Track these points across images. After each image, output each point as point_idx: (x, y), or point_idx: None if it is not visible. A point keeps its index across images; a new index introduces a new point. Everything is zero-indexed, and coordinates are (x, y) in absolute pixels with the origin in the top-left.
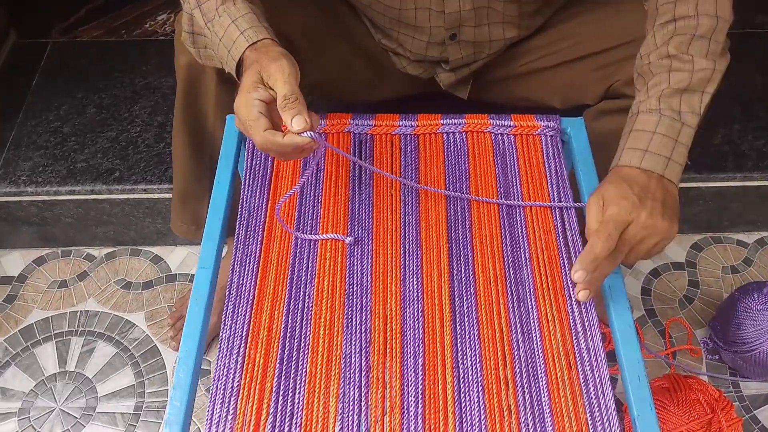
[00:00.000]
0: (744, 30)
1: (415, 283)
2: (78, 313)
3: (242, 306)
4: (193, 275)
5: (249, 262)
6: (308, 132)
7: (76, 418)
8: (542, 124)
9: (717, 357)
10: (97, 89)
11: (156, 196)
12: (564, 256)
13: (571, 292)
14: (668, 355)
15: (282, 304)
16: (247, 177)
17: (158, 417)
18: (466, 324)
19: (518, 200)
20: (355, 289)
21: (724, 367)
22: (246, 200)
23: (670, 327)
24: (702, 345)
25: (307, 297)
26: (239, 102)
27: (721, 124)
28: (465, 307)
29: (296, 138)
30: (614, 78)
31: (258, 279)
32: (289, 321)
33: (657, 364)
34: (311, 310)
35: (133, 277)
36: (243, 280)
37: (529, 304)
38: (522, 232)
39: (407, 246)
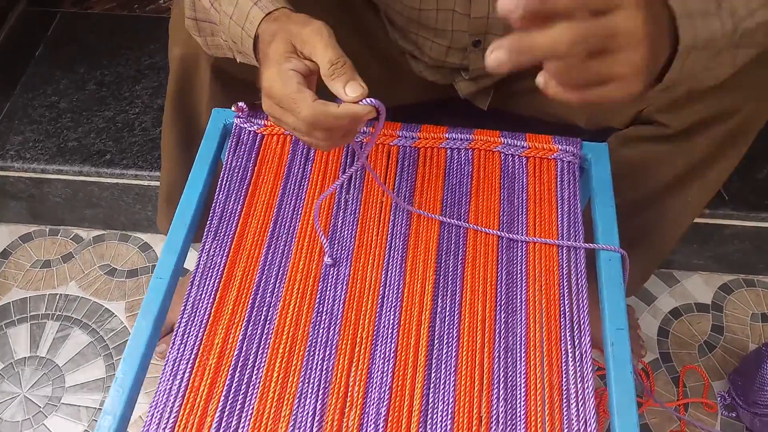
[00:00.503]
0: None
1: (392, 318)
2: (57, 297)
3: (195, 325)
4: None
5: (210, 276)
6: (368, 99)
7: (39, 407)
8: (560, 147)
9: (734, 415)
10: (101, 65)
11: (146, 183)
12: (566, 302)
13: (568, 348)
14: (680, 406)
15: (239, 329)
16: (224, 178)
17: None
18: (443, 372)
19: (522, 233)
20: (323, 318)
21: (741, 427)
22: (219, 204)
23: (685, 375)
24: (719, 399)
25: (267, 323)
26: (270, 76)
27: (766, 158)
28: (444, 352)
29: (354, 107)
30: (647, 101)
31: (217, 296)
32: (244, 349)
33: (666, 415)
34: (270, 339)
35: (119, 264)
36: (200, 295)
37: (518, 355)
38: (521, 269)
39: (389, 273)
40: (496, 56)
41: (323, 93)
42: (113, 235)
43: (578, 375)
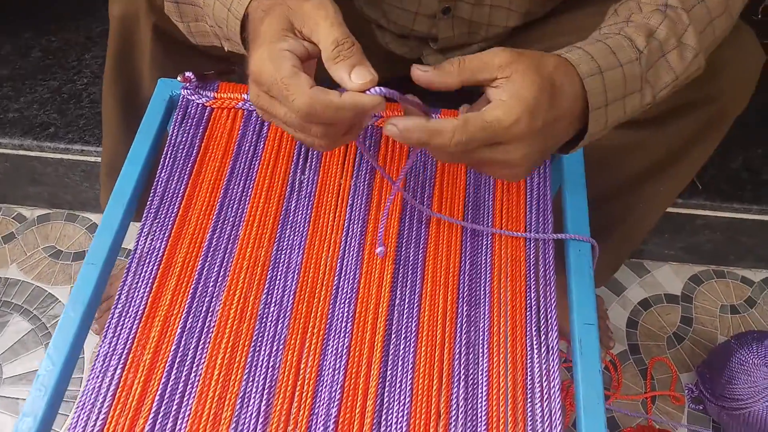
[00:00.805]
0: None
1: (346, 310)
2: None
3: (129, 317)
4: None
5: (148, 262)
6: (377, 88)
7: None
8: None
9: (701, 407)
10: (47, 30)
11: (94, 159)
12: (532, 295)
13: (534, 344)
14: (647, 399)
15: (178, 321)
16: (168, 155)
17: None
18: (399, 369)
19: (488, 222)
20: (270, 309)
21: (707, 420)
22: (160, 183)
23: (653, 367)
24: (686, 392)
25: (210, 314)
26: (260, 57)
27: (741, 147)
28: (401, 348)
29: (360, 97)
30: None
31: (155, 284)
32: (182, 343)
33: (633, 407)
34: (211, 333)
35: (65, 246)
36: (136, 283)
37: (480, 351)
38: (486, 260)
39: (345, 261)
40: (389, 130)
41: (324, 80)
42: (59, 214)
43: (544, 372)
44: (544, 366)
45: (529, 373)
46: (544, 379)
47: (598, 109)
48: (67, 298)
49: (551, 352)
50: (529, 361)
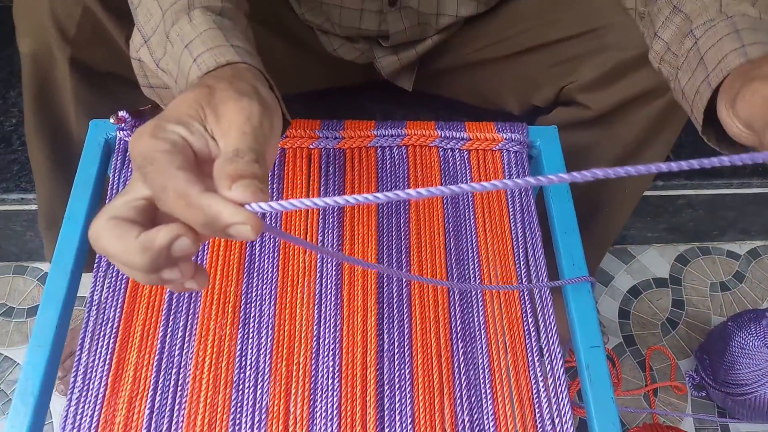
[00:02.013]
0: None
1: (330, 364)
2: None
3: (89, 403)
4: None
5: (103, 335)
6: (256, 204)
7: None
8: (504, 136)
9: (704, 394)
10: None
11: (35, 207)
12: (532, 333)
13: (539, 378)
14: (649, 393)
15: (144, 402)
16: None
17: None
18: (397, 424)
19: (472, 236)
20: (247, 374)
21: (711, 406)
22: None
23: (650, 357)
24: (687, 379)
25: (179, 389)
26: (145, 129)
27: None
28: (396, 399)
29: (225, 205)
30: (569, 78)
31: (114, 361)
32: (152, 426)
33: (637, 402)
34: (184, 409)
35: (16, 302)
36: (93, 361)
37: (482, 392)
38: (477, 298)
39: (324, 306)
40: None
41: None
42: (5, 268)
43: (554, 410)
44: (554, 402)
45: (538, 412)
46: (555, 417)
47: None
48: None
49: (559, 383)
50: (536, 397)
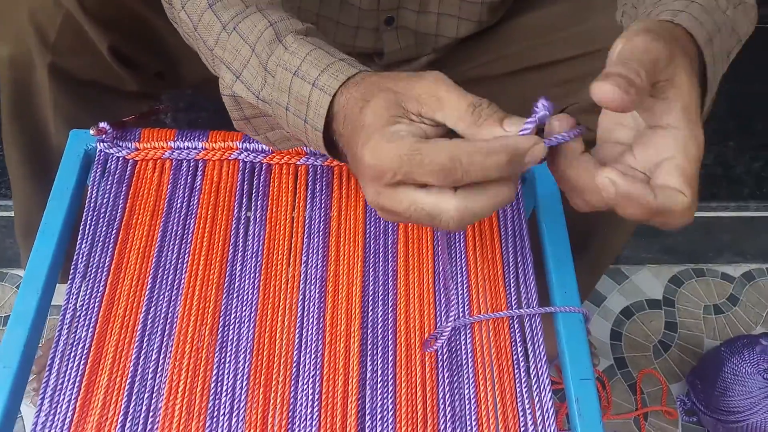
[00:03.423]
0: None
1: (310, 392)
2: None
3: (56, 427)
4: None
5: (72, 357)
6: (529, 123)
7: None
8: None
9: (695, 419)
10: None
11: (12, 213)
12: (518, 346)
13: (527, 408)
14: (639, 417)
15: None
16: (88, 222)
17: None
18: None
19: (461, 259)
20: (222, 401)
21: (702, 431)
22: (82, 257)
23: (641, 380)
24: (678, 404)
25: (151, 415)
26: (374, 147)
27: (714, 141)
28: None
29: (515, 139)
30: (570, 100)
31: (83, 384)
32: None
33: (625, 425)
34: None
35: None
36: (61, 384)
37: (468, 424)
38: (465, 338)
39: (305, 330)
40: (602, 182)
41: None
42: None
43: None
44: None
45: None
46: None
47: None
48: None
49: (547, 416)
50: (523, 430)
